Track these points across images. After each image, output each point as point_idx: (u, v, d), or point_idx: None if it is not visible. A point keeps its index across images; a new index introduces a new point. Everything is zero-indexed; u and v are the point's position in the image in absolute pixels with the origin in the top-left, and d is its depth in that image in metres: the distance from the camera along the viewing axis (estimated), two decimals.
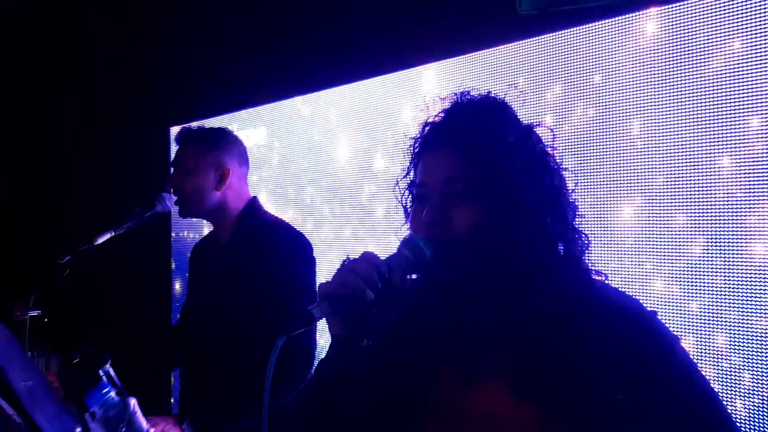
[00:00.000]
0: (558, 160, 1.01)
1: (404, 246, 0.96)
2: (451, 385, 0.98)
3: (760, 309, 1.54)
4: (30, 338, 2.03)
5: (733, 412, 1.56)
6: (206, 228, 2.47)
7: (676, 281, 1.68)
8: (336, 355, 0.97)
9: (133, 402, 1.00)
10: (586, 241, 0.99)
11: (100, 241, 1.70)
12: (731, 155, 1.60)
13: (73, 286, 1.97)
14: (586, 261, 0.99)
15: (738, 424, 1.05)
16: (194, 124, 1.98)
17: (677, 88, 1.71)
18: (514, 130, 0.97)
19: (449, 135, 0.98)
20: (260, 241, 1.79)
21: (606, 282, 1.00)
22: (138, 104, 4.02)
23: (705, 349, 1.62)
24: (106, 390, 0.97)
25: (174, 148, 1.92)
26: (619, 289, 1.00)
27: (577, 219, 1.00)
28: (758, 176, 1.56)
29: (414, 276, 0.99)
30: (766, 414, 1.53)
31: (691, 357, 0.94)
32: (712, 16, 1.64)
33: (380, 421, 0.99)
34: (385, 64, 2.60)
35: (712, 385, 0.92)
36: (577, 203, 1.01)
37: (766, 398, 1.53)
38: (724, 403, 0.92)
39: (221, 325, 1.77)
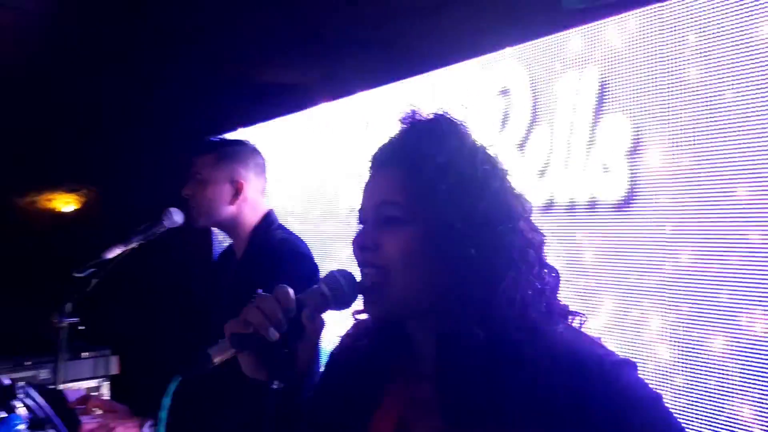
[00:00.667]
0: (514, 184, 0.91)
1: (323, 281, 0.92)
2: (379, 421, 0.91)
3: None
4: (67, 343, 2.15)
5: None
6: None
7: None
8: (250, 399, 0.93)
9: None
10: (547, 278, 0.87)
11: (110, 256, 1.76)
12: None
13: (112, 292, 2.07)
14: (545, 300, 0.86)
15: None
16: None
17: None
18: (453, 150, 0.87)
19: (387, 157, 0.92)
20: (267, 261, 1.75)
21: (571, 326, 0.87)
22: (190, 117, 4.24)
23: None
24: (17, 422, 0.98)
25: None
26: (591, 336, 0.86)
27: (542, 251, 0.89)
28: None
29: (325, 312, 0.93)
30: None
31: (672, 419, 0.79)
32: None
33: None
34: (424, 62, 2.58)
35: None
36: (538, 234, 0.90)
37: None
38: None
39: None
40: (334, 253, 2.78)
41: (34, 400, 1.14)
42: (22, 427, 0.99)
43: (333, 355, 1.05)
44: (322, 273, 1.76)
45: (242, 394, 0.92)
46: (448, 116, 0.93)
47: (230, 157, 1.87)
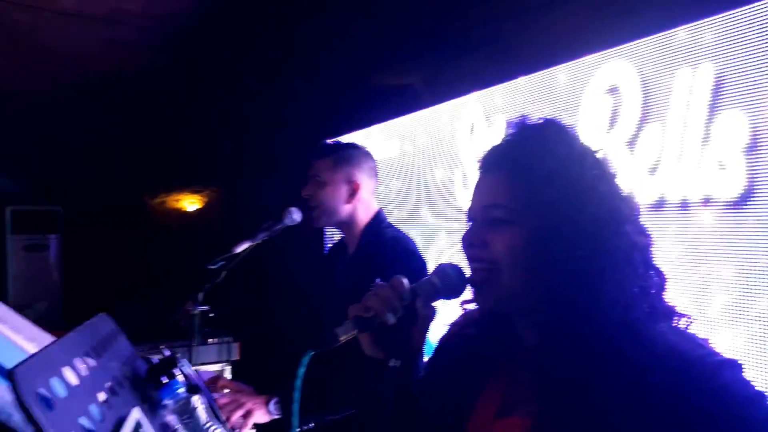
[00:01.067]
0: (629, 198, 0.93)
1: (435, 273, 1.00)
2: (485, 416, 0.96)
3: None
4: (199, 328, 2.38)
5: None
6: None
7: None
8: (372, 376, 1.03)
9: (195, 398, 1.17)
10: (652, 279, 0.88)
11: (238, 250, 1.94)
12: None
13: (238, 283, 2.27)
14: (649, 301, 0.87)
15: None
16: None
17: None
18: (562, 156, 0.90)
19: (496, 161, 0.96)
20: (379, 257, 1.84)
21: (675, 327, 0.87)
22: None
23: None
24: (176, 387, 1.14)
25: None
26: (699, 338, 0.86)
27: (648, 253, 0.90)
28: None
29: (438, 301, 1.01)
30: None
31: None
32: None
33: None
34: (532, 61, 2.58)
35: None
36: (645, 236, 0.91)
37: None
38: None
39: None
40: (433, 239, 2.89)
41: (188, 369, 1.31)
42: (181, 390, 1.15)
43: (442, 340, 1.12)
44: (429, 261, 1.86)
45: (361, 372, 1.02)
46: (557, 122, 0.97)
47: (346, 161, 1.98)
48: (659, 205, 1.89)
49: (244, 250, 1.97)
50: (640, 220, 0.92)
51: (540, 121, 0.96)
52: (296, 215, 2.00)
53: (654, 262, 0.90)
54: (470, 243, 0.95)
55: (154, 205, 8.12)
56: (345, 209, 1.96)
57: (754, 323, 1.60)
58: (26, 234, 6.28)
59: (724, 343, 1.63)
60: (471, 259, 0.96)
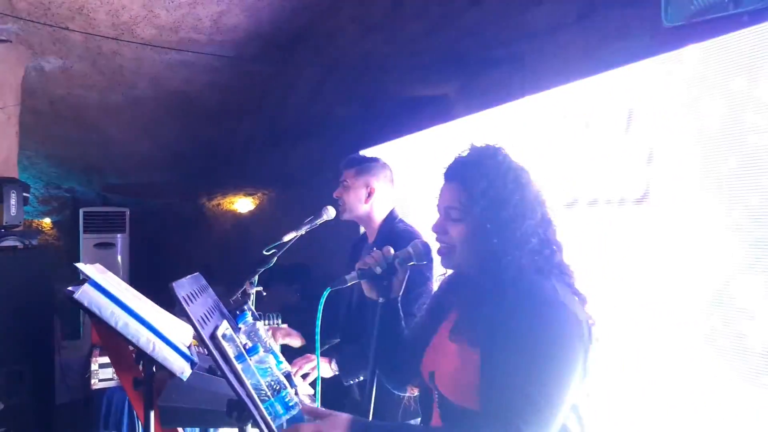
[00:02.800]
0: (541, 198, 1.39)
1: (410, 246, 1.49)
2: (443, 330, 1.44)
3: None
4: (255, 305, 2.86)
5: None
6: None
7: None
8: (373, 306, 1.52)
9: (258, 323, 1.69)
10: (547, 252, 1.34)
11: (286, 238, 2.43)
12: None
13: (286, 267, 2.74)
14: (542, 265, 1.33)
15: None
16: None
17: None
18: (499, 183, 1.35)
19: (452, 174, 1.43)
20: (393, 244, 2.32)
21: (545, 278, 1.32)
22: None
23: None
24: (246, 316, 1.67)
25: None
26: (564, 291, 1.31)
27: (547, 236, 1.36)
28: None
29: (412, 263, 1.49)
30: None
31: (549, 347, 1.20)
32: None
33: (413, 344, 1.52)
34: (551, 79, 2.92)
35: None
36: (554, 225, 1.38)
37: None
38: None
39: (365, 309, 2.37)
40: None
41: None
42: (249, 318, 1.68)
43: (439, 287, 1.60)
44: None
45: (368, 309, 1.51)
46: (493, 147, 1.40)
47: (366, 170, 2.48)
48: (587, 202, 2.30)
49: (291, 239, 2.45)
50: (548, 214, 1.37)
51: (483, 145, 1.42)
52: (331, 212, 2.49)
53: (552, 242, 1.35)
54: (436, 231, 1.44)
55: (212, 206, 8.78)
56: (363, 208, 2.46)
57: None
58: (96, 233, 6.83)
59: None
60: (437, 240, 1.44)
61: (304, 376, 2.32)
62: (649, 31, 2.85)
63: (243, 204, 8.64)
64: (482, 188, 1.34)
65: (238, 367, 1.38)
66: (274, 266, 2.61)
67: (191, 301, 1.45)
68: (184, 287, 1.46)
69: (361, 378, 2.30)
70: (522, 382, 1.17)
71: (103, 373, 3.37)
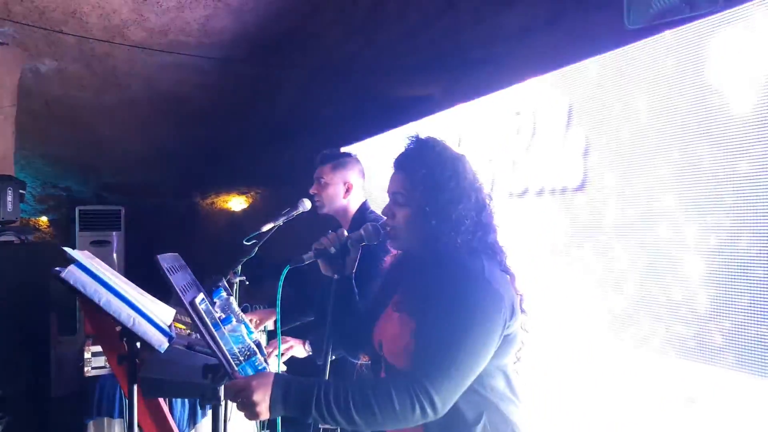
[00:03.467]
0: (477, 185, 1.54)
1: (362, 228, 1.65)
2: (390, 309, 1.59)
3: None
4: (238, 294, 3.02)
5: None
6: None
7: None
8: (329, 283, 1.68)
9: (231, 299, 1.84)
10: (479, 233, 1.49)
11: (264, 229, 2.58)
12: None
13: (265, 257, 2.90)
14: (475, 245, 1.47)
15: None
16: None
17: None
18: (437, 170, 1.50)
19: (398, 164, 1.58)
20: None
21: (485, 259, 1.46)
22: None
23: None
24: (220, 292, 1.81)
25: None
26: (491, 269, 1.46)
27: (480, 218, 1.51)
28: None
29: (364, 243, 1.65)
30: None
31: (468, 320, 1.34)
32: None
33: (367, 316, 1.67)
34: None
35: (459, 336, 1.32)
36: (490, 209, 1.54)
37: None
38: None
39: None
40: None
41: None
42: (223, 294, 1.81)
43: (389, 264, 1.75)
44: None
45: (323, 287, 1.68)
46: (433, 139, 1.57)
47: (342, 166, 2.60)
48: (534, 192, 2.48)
49: (270, 229, 2.61)
50: (483, 198, 1.53)
51: (424, 138, 1.58)
52: (307, 204, 2.63)
53: (485, 224, 1.51)
54: (385, 214, 1.59)
55: (205, 205, 8.94)
56: (341, 203, 2.59)
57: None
58: (92, 231, 6.99)
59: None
60: (386, 223, 1.60)
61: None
62: (614, 33, 3.03)
63: (236, 202, 8.79)
64: (422, 175, 1.50)
65: (215, 333, 1.54)
66: (263, 262, 2.75)
67: (173, 273, 1.61)
68: (166, 260, 1.64)
69: (334, 357, 2.45)
70: (436, 348, 1.32)
71: (96, 361, 3.52)
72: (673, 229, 1.92)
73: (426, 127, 3.55)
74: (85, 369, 3.49)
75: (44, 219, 7.94)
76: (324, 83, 5.17)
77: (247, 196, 8.72)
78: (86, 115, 5.67)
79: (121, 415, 3.46)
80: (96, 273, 1.70)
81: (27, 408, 4.02)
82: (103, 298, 1.65)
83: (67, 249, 1.75)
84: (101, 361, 3.51)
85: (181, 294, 1.49)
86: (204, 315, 1.51)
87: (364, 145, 4.07)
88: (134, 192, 8.02)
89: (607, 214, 2.14)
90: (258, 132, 6.41)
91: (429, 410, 1.28)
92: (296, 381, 1.34)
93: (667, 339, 1.93)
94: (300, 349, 2.47)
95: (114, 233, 7.11)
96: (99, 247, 6.91)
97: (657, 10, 2.55)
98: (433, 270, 1.43)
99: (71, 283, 1.62)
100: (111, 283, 1.72)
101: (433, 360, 1.32)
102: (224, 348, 1.51)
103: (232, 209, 8.82)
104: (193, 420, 3.40)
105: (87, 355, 3.50)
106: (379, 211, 2.66)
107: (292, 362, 2.61)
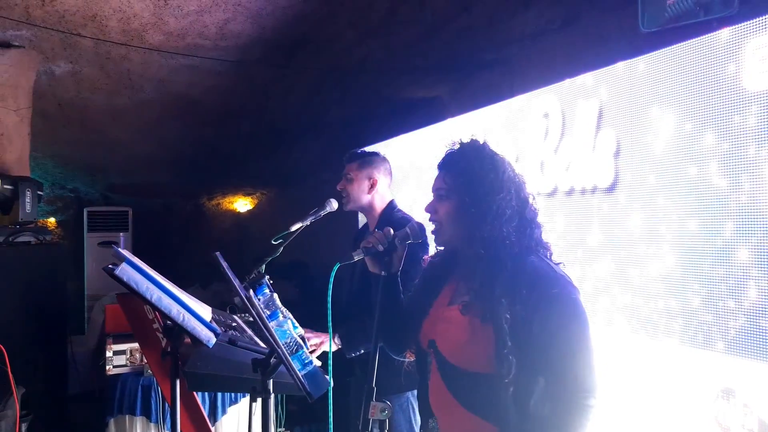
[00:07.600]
0: (517, 180, 1.60)
1: (407, 227, 1.71)
2: (440, 304, 1.65)
3: None
4: None
5: None
6: None
7: None
8: (377, 280, 1.74)
9: (275, 295, 1.89)
10: (526, 231, 1.55)
11: (293, 229, 2.64)
12: None
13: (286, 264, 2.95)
14: (527, 242, 1.54)
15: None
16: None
17: None
18: (476, 164, 1.57)
19: (442, 164, 1.65)
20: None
21: (543, 258, 1.54)
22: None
23: None
24: (264, 289, 1.86)
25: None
26: (555, 266, 1.53)
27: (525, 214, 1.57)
28: None
29: (410, 241, 1.72)
30: None
31: (582, 335, 1.44)
32: None
33: (410, 313, 1.72)
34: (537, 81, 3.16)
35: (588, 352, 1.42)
36: (533, 206, 1.60)
37: None
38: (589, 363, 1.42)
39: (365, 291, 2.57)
40: None
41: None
42: (266, 290, 1.86)
43: (429, 262, 1.83)
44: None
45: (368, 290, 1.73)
46: (475, 140, 1.64)
47: (368, 163, 2.68)
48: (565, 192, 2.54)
49: (298, 229, 2.66)
50: (525, 195, 1.59)
51: (468, 140, 1.64)
52: (334, 204, 2.69)
53: (531, 220, 1.57)
54: (429, 210, 1.65)
55: (211, 206, 8.98)
56: (366, 198, 2.67)
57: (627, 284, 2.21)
58: (100, 232, 7.05)
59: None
60: (430, 220, 1.66)
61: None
62: (628, 36, 3.10)
63: (242, 203, 8.84)
64: (461, 168, 1.58)
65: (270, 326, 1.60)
66: (274, 263, 2.82)
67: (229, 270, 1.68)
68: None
69: (362, 351, 2.50)
70: (574, 361, 1.43)
71: (117, 360, 3.59)
72: (712, 228, 1.97)
73: (447, 128, 3.62)
74: (107, 367, 3.56)
75: (52, 220, 7.97)
76: (334, 85, 5.22)
77: (253, 197, 8.77)
78: (97, 117, 5.71)
79: (141, 413, 3.51)
80: (145, 270, 1.76)
81: (47, 406, 4.07)
82: (155, 295, 1.71)
83: (115, 248, 1.81)
84: (122, 359, 3.58)
85: (240, 289, 1.56)
86: (261, 310, 1.57)
87: (377, 148, 4.11)
88: (142, 193, 8.06)
89: (637, 214, 2.20)
90: (266, 133, 6.46)
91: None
92: None
93: (710, 335, 1.97)
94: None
95: (122, 234, 7.17)
96: (107, 248, 6.95)
97: (672, 13, 2.61)
98: (502, 274, 1.49)
99: (124, 279, 1.68)
100: (159, 280, 1.78)
101: (577, 373, 1.43)
102: (278, 338, 1.57)
103: (238, 210, 8.87)
104: (213, 416, 3.46)
105: (108, 354, 3.56)
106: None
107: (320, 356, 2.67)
